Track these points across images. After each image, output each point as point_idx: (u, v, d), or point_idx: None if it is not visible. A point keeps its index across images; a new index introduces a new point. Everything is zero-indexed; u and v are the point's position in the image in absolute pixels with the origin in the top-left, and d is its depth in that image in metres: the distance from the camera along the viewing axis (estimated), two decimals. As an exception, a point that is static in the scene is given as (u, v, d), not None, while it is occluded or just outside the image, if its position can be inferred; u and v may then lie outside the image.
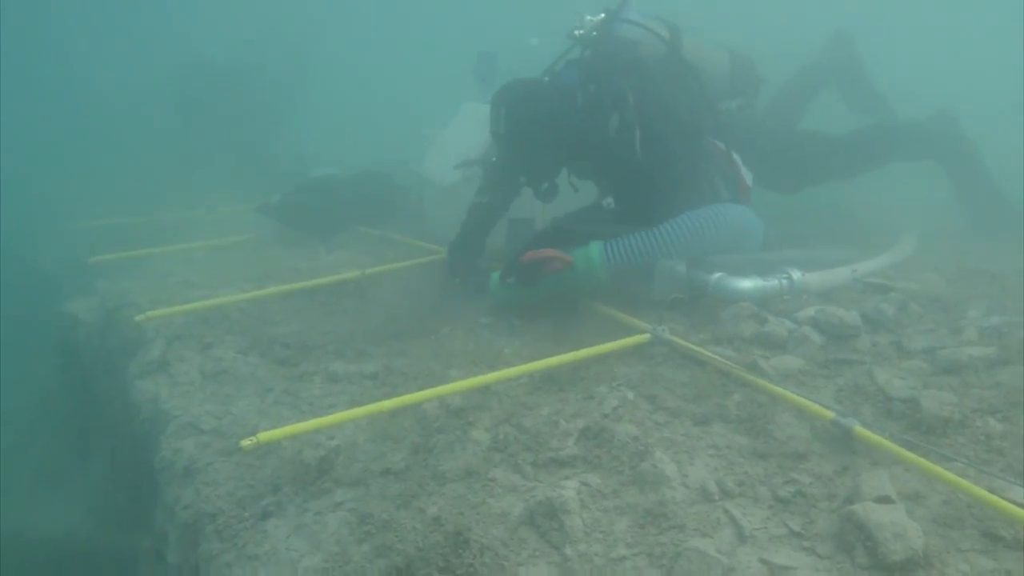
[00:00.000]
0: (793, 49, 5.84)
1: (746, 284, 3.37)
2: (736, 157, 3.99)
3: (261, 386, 3.29)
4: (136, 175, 8.46)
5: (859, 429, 2.33)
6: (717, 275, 3.41)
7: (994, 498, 1.97)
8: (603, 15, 4.05)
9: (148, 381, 3.54)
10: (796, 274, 3.45)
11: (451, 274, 4.10)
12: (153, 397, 3.40)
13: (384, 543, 2.20)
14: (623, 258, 3.55)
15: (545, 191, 3.90)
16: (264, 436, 2.29)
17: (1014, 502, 1.97)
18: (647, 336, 3.11)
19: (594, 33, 4.01)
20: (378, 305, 4.03)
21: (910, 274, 3.93)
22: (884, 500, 2.06)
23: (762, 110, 5.03)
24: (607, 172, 3.80)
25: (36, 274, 6.80)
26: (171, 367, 3.55)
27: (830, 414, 2.41)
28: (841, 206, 5.36)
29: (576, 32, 4.06)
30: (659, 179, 3.66)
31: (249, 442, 2.24)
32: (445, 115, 6.21)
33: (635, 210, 3.63)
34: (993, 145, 5.03)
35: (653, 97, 3.76)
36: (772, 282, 3.41)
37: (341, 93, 12.99)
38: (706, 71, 4.10)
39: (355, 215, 5.96)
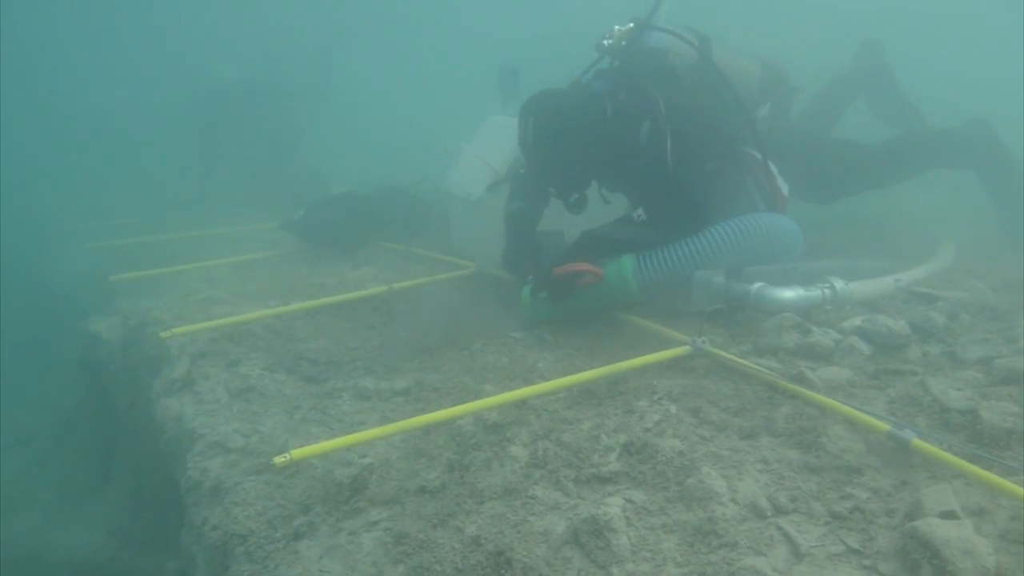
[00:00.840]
0: (824, 59, 5.81)
1: (788, 294, 3.30)
2: (772, 167, 3.93)
3: (289, 403, 3.24)
4: (151, 194, 8.53)
5: (917, 441, 2.25)
6: (757, 285, 3.34)
7: (1068, 513, 1.90)
8: (631, 24, 4.01)
9: (173, 399, 3.50)
10: (839, 283, 3.38)
11: (517, 278, 4.02)
12: (178, 416, 3.36)
13: (421, 564, 2.14)
14: (656, 271, 3.49)
15: (574, 203, 3.85)
16: (297, 453, 2.24)
17: (1089, 517, 1.89)
18: (687, 348, 3.05)
19: (623, 43, 3.98)
20: (406, 320, 3.99)
21: (954, 283, 3.85)
22: (949, 516, 1.98)
23: (795, 120, 4.97)
24: (638, 183, 3.74)
25: (55, 294, 6.82)
26: (196, 385, 3.52)
27: (885, 426, 2.33)
28: (871, 216, 5.30)
29: (605, 42, 4.02)
30: (691, 189, 3.60)
31: (282, 459, 2.20)
32: (468, 129, 6.19)
33: (666, 221, 3.56)
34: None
35: (684, 105, 3.72)
36: (814, 292, 3.34)
37: (359, 107, 13.04)
38: (737, 80, 4.04)
39: (379, 231, 5.95)
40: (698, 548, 2.06)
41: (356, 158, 10.43)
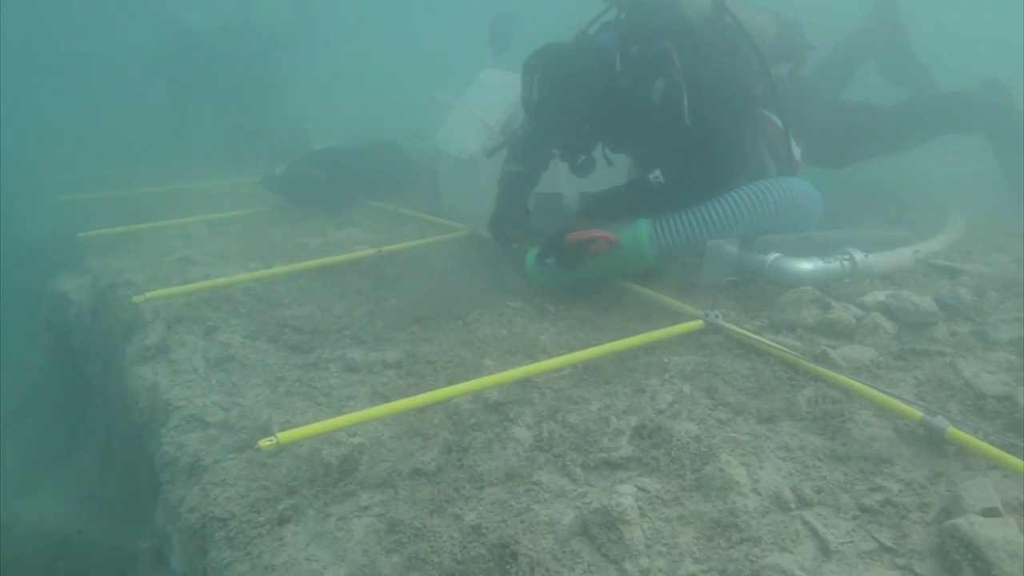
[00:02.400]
0: (838, 16, 5.62)
1: (806, 266, 3.18)
2: (786, 129, 3.78)
3: (272, 374, 3.10)
4: (126, 145, 8.28)
5: (953, 430, 2.14)
6: (773, 256, 3.21)
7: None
8: None
9: (146, 368, 3.35)
10: (859, 255, 3.26)
11: (501, 245, 3.91)
12: (152, 385, 3.21)
13: (417, 554, 2.03)
14: (675, 238, 3.35)
15: (581, 164, 3.68)
16: (284, 436, 2.10)
17: None
18: (699, 323, 2.92)
19: None
20: (396, 286, 3.83)
21: (975, 256, 3.74)
22: (991, 513, 1.88)
23: (806, 79, 4.82)
24: (651, 143, 3.58)
25: (25, 249, 6.60)
26: (172, 353, 3.36)
27: (918, 413, 2.22)
28: (879, 181, 5.19)
29: None
30: (711, 149, 3.44)
31: (268, 442, 2.06)
32: (460, 81, 5.99)
33: (687, 184, 3.40)
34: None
35: (700, 60, 3.55)
36: (833, 264, 3.22)
37: (345, 57, 12.73)
38: (752, 34, 3.87)
39: (364, 189, 5.77)
40: (717, 542, 1.96)
41: (342, 110, 10.17)
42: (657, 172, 3.36)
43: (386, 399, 2.81)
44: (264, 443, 2.04)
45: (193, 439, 2.77)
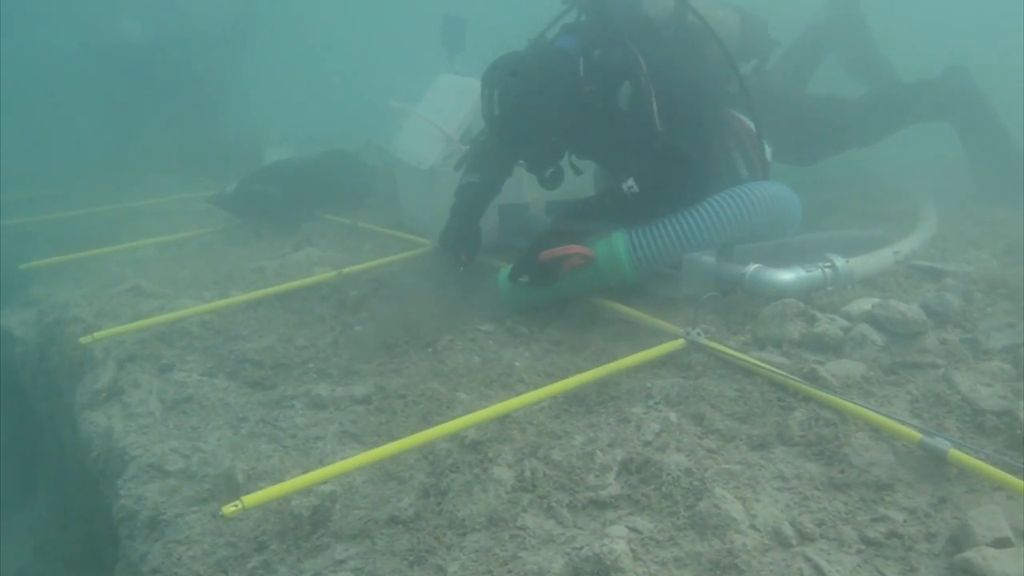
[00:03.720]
0: (799, 9, 5.59)
1: (787, 276, 3.11)
2: (758, 129, 3.72)
3: (233, 415, 2.98)
4: (63, 164, 8.03)
5: (955, 452, 2.08)
6: (753, 267, 3.14)
7: None
8: None
9: (99, 412, 3.20)
10: (839, 261, 3.19)
11: (448, 263, 3.80)
12: (106, 432, 3.07)
13: (399, 613, 1.93)
14: (653, 250, 3.26)
15: (550, 177, 3.57)
16: (250, 500, 1.97)
17: None
18: (680, 342, 2.84)
19: None
20: (361, 311, 3.71)
21: (954, 253, 3.71)
22: (1003, 544, 1.82)
23: (770, 75, 4.77)
24: (621, 150, 3.48)
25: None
26: (125, 395, 3.21)
27: (916, 435, 2.16)
28: (847, 174, 5.18)
29: None
30: (685, 155, 3.35)
31: (232, 508, 1.93)
32: (414, 86, 5.86)
33: (662, 193, 3.31)
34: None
35: (667, 62, 3.46)
36: (815, 272, 3.15)
37: (293, 64, 12.50)
38: (718, 32, 3.80)
39: (321, 202, 5.62)
40: (717, 586, 1.87)
41: (293, 118, 9.96)
42: (631, 182, 3.27)
43: (356, 438, 2.70)
44: (228, 509, 1.91)
45: (152, 491, 2.64)
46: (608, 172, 3.94)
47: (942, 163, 5.29)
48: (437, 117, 4.92)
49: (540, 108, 3.38)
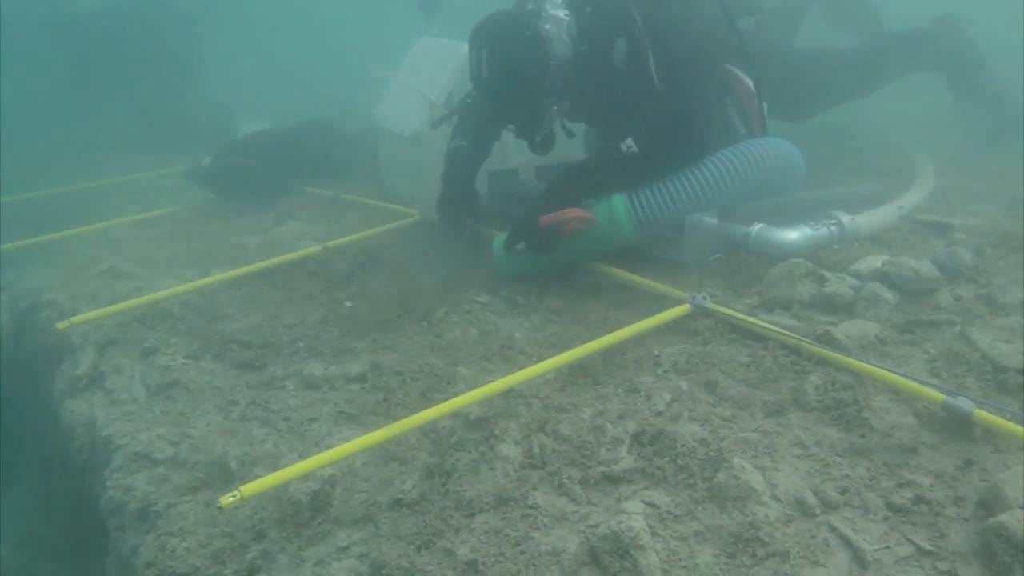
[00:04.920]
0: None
1: (793, 235, 3.05)
2: (753, 85, 3.64)
3: (222, 398, 2.90)
4: (25, 142, 7.84)
5: (980, 412, 2.03)
6: (757, 227, 3.07)
7: None
8: None
9: (80, 400, 3.11)
10: (845, 218, 3.13)
11: (451, 232, 3.77)
12: (89, 420, 2.98)
13: (408, 600, 1.87)
14: (654, 211, 3.19)
15: (541, 142, 3.48)
16: (248, 489, 1.90)
17: None
18: (686, 307, 2.78)
19: None
20: (349, 286, 3.62)
21: (957, 205, 3.67)
22: (1036, 506, 1.77)
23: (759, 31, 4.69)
24: (617, 110, 3.39)
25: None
26: (107, 381, 3.12)
27: (939, 396, 2.10)
28: (837, 127, 5.13)
29: None
30: (685, 113, 3.27)
31: (230, 498, 1.85)
32: (390, 51, 5.73)
33: (663, 152, 3.23)
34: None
35: (661, 17, 3.37)
36: (821, 230, 3.09)
37: (264, 32, 12.25)
38: None
39: (300, 174, 5.51)
40: (741, 560, 1.83)
41: (266, 88, 9.77)
42: (629, 141, 3.18)
43: (352, 418, 2.63)
44: (226, 500, 1.84)
45: (141, 480, 2.57)
46: (601, 133, 3.85)
47: (930, 117, 5.29)
48: (419, 82, 4.81)
49: (530, 72, 3.29)
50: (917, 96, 5.32)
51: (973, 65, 4.74)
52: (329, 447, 2.27)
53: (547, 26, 3.33)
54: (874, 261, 2.90)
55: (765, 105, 3.70)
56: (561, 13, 3.40)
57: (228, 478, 2.40)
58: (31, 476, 4.53)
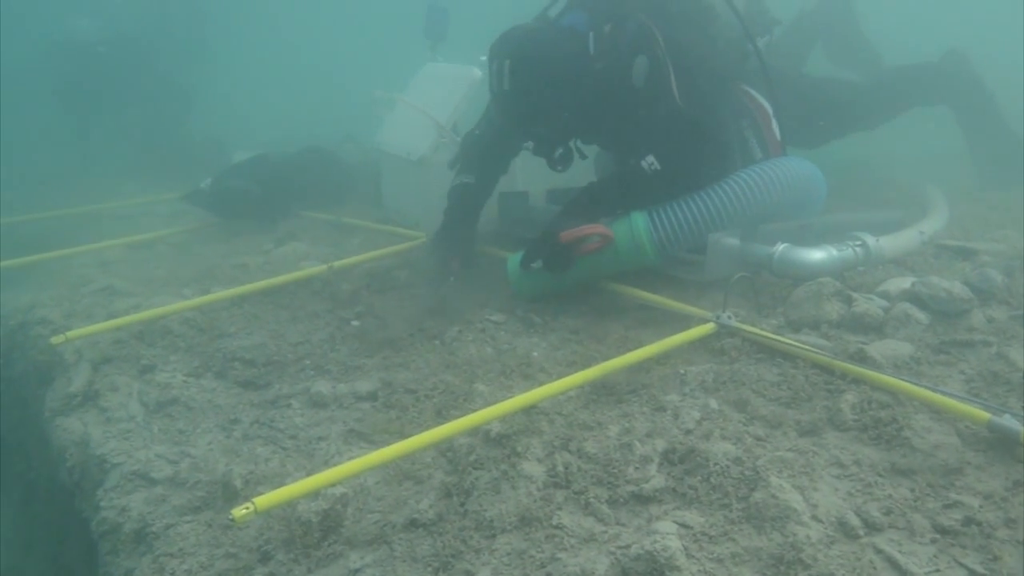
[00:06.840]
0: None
1: (817, 255, 3.00)
2: (768, 106, 3.63)
3: (224, 417, 2.81)
4: (16, 167, 7.80)
5: (1028, 432, 1.96)
6: (781, 247, 3.02)
7: None
8: None
9: (72, 418, 3.01)
10: (870, 240, 3.09)
11: (437, 272, 3.71)
12: (82, 439, 2.88)
13: (428, 626, 1.77)
14: (675, 229, 3.14)
15: (560, 158, 3.44)
16: (262, 501, 1.80)
17: None
18: (711, 326, 2.71)
19: None
20: (356, 305, 3.55)
21: (976, 232, 3.65)
22: (1097, 527, 1.70)
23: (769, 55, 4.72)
24: (637, 128, 3.36)
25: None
26: (102, 399, 3.03)
27: (984, 415, 2.04)
28: (851, 159, 5.16)
29: None
30: (707, 130, 3.24)
31: (243, 510, 1.76)
32: (394, 78, 5.74)
33: (686, 169, 3.19)
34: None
35: (681, 36, 3.35)
36: (846, 251, 3.05)
37: (265, 60, 12.29)
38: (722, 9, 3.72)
39: (300, 199, 5.48)
40: (783, 583, 1.74)
41: (264, 118, 9.79)
42: (651, 158, 3.14)
43: (364, 437, 2.55)
44: (238, 512, 1.74)
45: (137, 500, 2.48)
46: (615, 154, 3.82)
47: (938, 155, 5.33)
48: (426, 106, 4.79)
49: (551, 86, 3.26)
50: (924, 136, 5.39)
51: (981, 100, 4.80)
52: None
53: (566, 43, 3.32)
54: (902, 282, 2.86)
55: (778, 127, 3.69)
56: (579, 31, 3.39)
57: (232, 497, 2.32)
58: (12, 504, 4.39)
